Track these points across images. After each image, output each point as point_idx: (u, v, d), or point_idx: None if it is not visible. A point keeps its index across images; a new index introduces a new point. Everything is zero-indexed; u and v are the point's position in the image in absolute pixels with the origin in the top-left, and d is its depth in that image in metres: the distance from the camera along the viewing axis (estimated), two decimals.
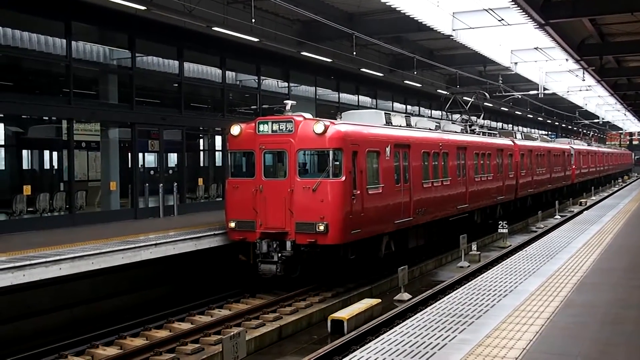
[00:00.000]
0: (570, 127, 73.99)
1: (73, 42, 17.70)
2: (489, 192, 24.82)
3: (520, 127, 62.03)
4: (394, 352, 6.80)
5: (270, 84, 26.93)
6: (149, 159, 23.43)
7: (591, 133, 77.14)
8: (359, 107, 32.27)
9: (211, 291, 14.87)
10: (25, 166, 20.09)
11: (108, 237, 14.23)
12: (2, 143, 18.82)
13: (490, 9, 19.81)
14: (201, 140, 25.87)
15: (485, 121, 43.19)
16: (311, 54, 23.78)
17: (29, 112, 18.17)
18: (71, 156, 17.73)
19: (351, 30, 22.00)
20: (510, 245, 22.55)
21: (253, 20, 18.02)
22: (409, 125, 19.23)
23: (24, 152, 19.80)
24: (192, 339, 11.51)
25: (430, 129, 20.66)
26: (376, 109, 32.00)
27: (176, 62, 21.58)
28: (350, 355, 6.83)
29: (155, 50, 21.10)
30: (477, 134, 26.18)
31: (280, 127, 14.55)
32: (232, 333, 9.03)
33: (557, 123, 68.95)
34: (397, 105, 38.09)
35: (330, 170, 14.07)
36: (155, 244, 13.56)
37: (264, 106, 25.48)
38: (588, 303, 8.75)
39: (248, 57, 24.27)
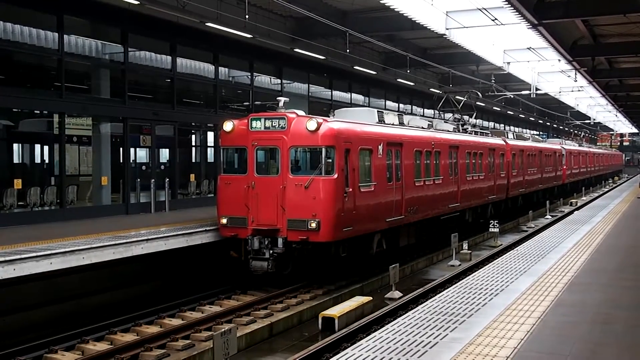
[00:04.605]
0: (561, 127, 74.29)
1: (65, 36, 17.60)
2: (480, 191, 24.89)
3: (512, 127, 62.22)
4: (385, 349, 6.80)
5: (263, 80, 26.87)
6: (141, 154, 23.31)
7: (582, 134, 77.50)
8: (351, 104, 32.25)
9: (202, 287, 14.83)
10: (16, 160, 19.94)
11: (99, 232, 14.17)
12: None
13: (484, 9, 19.83)
14: (193, 136, 25.79)
15: (478, 120, 43.30)
16: (304, 51, 23.75)
17: (20, 106, 18.07)
18: (62, 150, 17.66)
19: (344, 28, 21.99)
20: (501, 245, 22.62)
21: (247, 17, 17.98)
22: (401, 123, 19.25)
23: (15, 145, 19.66)
24: (183, 335, 11.48)
25: (422, 128, 20.69)
26: (369, 106, 31.99)
27: (169, 58, 21.51)
28: (342, 353, 6.83)
29: (148, 45, 21.00)
30: (469, 133, 26.23)
31: (273, 124, 14.52)
32: (223, 329, 9.00)
33: (548, 123, 69.21)
34: (390, 104, 38.10)
35: (323, 168, 14.06)
36: (147, 240, 13.51)
37: (256, 103, 25.44)
38: (579, 303, 8.78)
39: (241, 54, 24.21)
